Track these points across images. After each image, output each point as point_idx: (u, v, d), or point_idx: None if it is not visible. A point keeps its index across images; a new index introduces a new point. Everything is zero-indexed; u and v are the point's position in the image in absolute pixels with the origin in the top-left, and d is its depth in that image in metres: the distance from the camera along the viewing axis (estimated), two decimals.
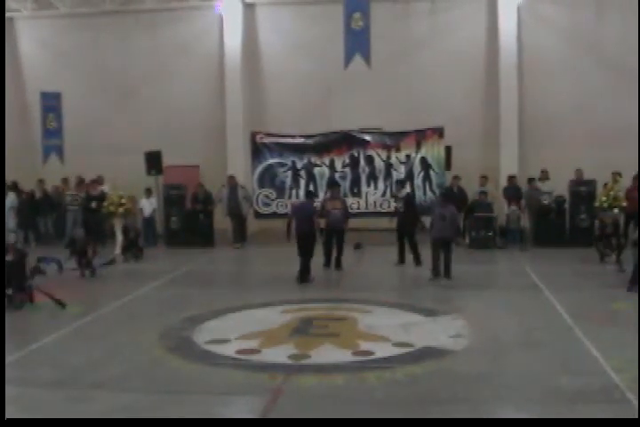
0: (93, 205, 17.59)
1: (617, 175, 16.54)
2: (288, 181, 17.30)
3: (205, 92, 20.55)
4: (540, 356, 7.89)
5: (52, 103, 18.51)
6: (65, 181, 19.09)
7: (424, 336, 8.74)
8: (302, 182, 17.25)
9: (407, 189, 16.07)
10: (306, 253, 12.69)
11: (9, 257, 10.68)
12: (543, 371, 7.30)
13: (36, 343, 8.65)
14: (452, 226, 12.82)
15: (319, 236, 13.43)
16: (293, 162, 17.29)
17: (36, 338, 8.95)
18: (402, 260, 14.21)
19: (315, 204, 14.29)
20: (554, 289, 11.39)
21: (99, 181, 18.88)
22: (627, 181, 16.77)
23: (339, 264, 13.87)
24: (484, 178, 17.72)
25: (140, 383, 7.16)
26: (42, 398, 6.73)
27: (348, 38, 16.27)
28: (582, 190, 16.69)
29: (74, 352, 8.25)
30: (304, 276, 12.62)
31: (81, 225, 17.40)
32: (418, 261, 13.91)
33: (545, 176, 17.59)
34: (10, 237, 12.04)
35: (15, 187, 18.25)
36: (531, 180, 17.45)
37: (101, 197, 17.30)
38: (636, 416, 5.84)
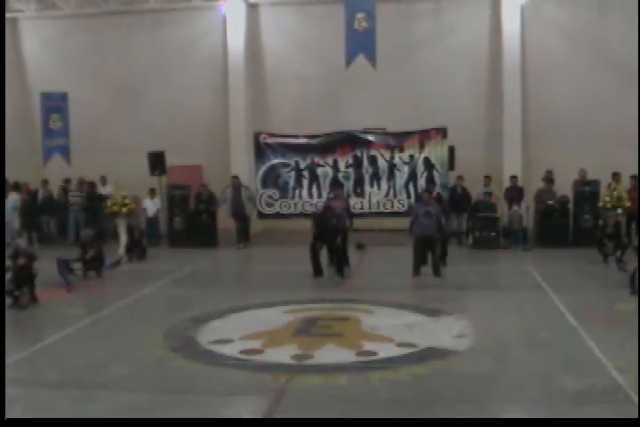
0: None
1: (618, 175, 16.53)
2: (291, 181, 17.31)
3: (209, 92, 20.56)
4: (544, 356, 7.89)
5: (56, 103, 18.48)
6: (67, 181, 19.19)
7: (427, 336, 8.74)
8: (305, 183, 17.26)
9: (436, 189, 16.06)
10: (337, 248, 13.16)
11: (21, 261, 10.78)
12: (547, 371, 7.30)
13: (39, 343, 8.68)
14: (437, 223, 12.83)
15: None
16: (297, 162, 17.29)
17: (40, 338, 8.98)
18: (425, 260, 14.01)
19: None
20: (557, 289, 11.37)
21: (102, 181, 19.02)
22: (628, 181, 16.76)
23: (346, 262, 13.90)
24: (488, 178, 17.73)
25: (144, 383, 7.18)
26: (46, 398, 6.74)
27: (349, 39, 16.24)
28: (586, 190, 16.65)
29: (78, 352, 8.27)
30: (341, 269, 13.03)
31: (85, 225, 17.45)
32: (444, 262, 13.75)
33: (550, 176, 17.54)
34: (21, 242, 12.16)
35: (17, 187, 18.27)
36: (548, 181, 17.34)
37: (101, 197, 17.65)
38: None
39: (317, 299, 11.28)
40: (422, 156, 16.94)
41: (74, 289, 12.04)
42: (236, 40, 20.22)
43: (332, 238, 13.07)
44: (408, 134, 17.10)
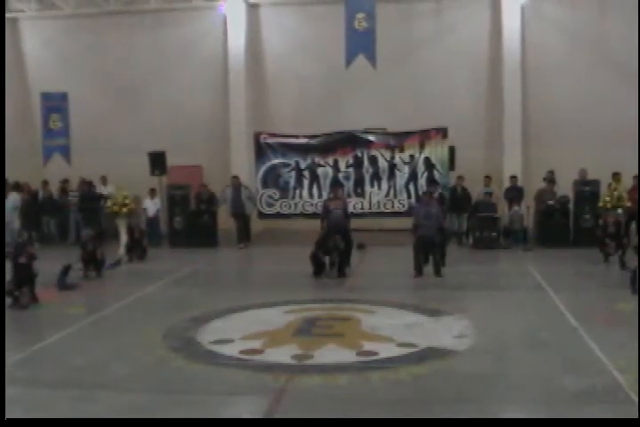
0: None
1: (618, 175, 16.53)
2: (292, 181, 17.32)
3: (209, 92, 20.56)
4: (544, 356, 7.89)
5: (56, 103, 18.49)
6: (65, 181, 19.22)
7: (428, 336, 8.73)
8: (306, 183, 17.26)
9: (439, 189, 16.00)
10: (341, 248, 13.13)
11: (22, 260, 10.79)
12: (547, 371, 7.30)
13: (40, 343, 8.67)
14: (437, 224, 12.87)
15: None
16: (297, 162, 17.30)
17: (40, 338, 8.98)
18: (426, 260, 13.98)
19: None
20: (558, 289, 11.37)
21: (103, 181, 19.03)
22: (628, 181, 16.75)
23: (347, 263, 13.88)
24: (488, 178, 17.72)
25: (144, 383, 7.17)
26: (46, 398, 6.74)
27: (350, 39, 16.25)
28: (586, 190, 16.65)
29: (78, 352, 8.26)
30: (343, 270, 13.06)
31: (84, 225, 17.47)
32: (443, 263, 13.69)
33: (551, 176, 17.53)
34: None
35: (17, 187, 18.29)
36: (550, 181, 17.33)
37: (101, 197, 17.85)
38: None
39: (318, 299, 11.28)
40: (423, 156, 16.95)
41: (75, 289, 12.06)
42: (237, 40, 20.23)
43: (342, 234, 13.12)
44: (408, 134, 17.11)
